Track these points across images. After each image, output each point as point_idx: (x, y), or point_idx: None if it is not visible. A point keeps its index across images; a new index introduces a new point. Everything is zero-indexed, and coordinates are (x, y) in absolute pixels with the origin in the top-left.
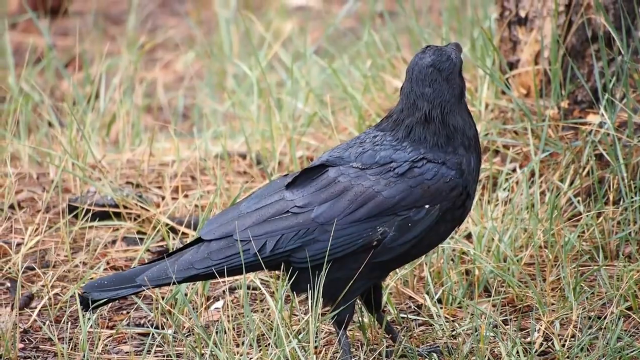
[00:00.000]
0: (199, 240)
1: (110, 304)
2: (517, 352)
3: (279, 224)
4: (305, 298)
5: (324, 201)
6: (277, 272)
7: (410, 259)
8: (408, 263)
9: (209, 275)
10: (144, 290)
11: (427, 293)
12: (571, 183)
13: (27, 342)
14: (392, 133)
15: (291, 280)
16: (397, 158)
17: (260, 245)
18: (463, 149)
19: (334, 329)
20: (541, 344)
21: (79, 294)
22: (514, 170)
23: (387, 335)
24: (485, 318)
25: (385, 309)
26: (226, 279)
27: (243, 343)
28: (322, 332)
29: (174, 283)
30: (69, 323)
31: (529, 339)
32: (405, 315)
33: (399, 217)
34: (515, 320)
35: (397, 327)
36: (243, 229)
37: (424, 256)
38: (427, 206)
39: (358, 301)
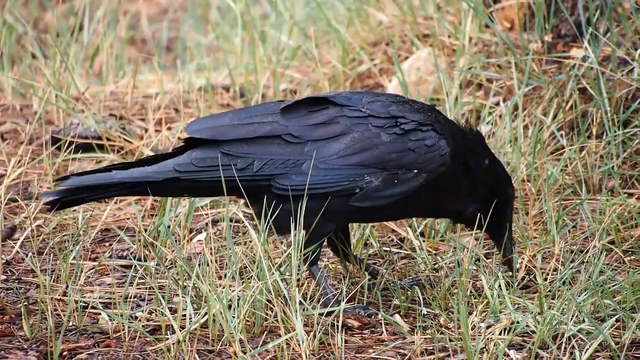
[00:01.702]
0: (184, 150)
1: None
2: (499, 285)
3: (270, 148)
4: (280, 232)
5: (319, 137)
6: (242, 199)
7: (382, 218)
8: (378, 222)
9: (188, 183)
10: (118, 184)
11: (410, 226)
12: (554, 117)
13: (10, 273)
14: (420, 104)
15: (274, 215)
16: (408, 116)
17: (247, 164)
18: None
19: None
20: (523, 278)
21: (50, 194)
22: (497, 104)
23: (368, 274)
24: (467, 252)
25: (367, 243)
26: (208, 209)
27: (225, 275)
28: (304, 264)
29: (153, 183)
30: (52, 255)
31: (510, 273)
32: (387, 249)
33: (388, 172)
34: (497, 254)
35: (380, 260)
36: (231, 138)
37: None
38: (415, 170)
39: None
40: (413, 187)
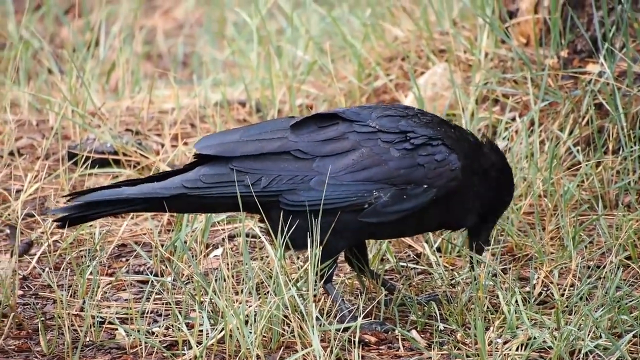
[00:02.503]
0: (193, 167)
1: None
2: (516, 301)
3: (278, 163)
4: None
5: (328, 153)
6: (257, 215)
7: (394, 234)
8: (389, 238)
9: (196, 199)
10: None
11: (427, 242)
12: (570, 132)
13: (27, 289)
14: (429, 117)
15: (290, 231)
16: (418, 130)
17: (255, 179)
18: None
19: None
20: (540, 293)
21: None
22: (513, 119)
23: (384, 289)
24: (484, 267)
25: (384, 258)
26: (225, 224)
27: (242, 291)
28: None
29: (161, 199)
30: (68, 270)
31: (527, 288)
32: (404, 264)
33: (396, 187)
34: (514, 270)
35: (396, 275)
36: (240, 154)
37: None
38: (425, 186)
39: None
40: (422, 203)
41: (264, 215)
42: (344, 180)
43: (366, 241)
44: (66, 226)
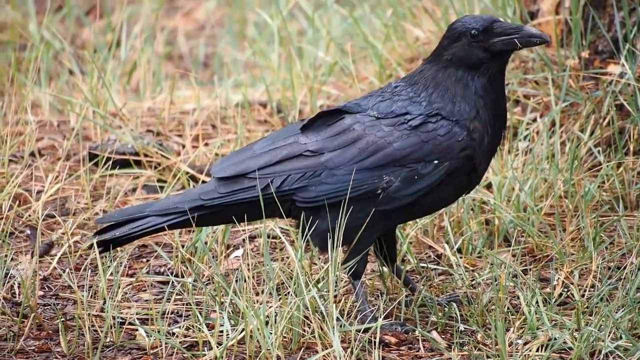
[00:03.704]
0: None
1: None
2: (537, 302)
3: (288, 164)
4: (319, 248)
5: (337, 147)
6: (280, 217)
7: (413, 217)
8: (410, 220)
9: (215, 209)
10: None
11: (447, 242)
12: (591, 133)
13: (47, 289)
14: (413, 86)
15: (311, 230)
16: (412, 110)
17: (266, 184)
18: (478, 122)
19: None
20: (560, 294)
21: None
22: (534, 120)
23: (405, 288)
24: (504, 268)
25: (405, 259)
26: (245, 225)
27: (263, 292)
28: (341, 281)
29: (181, 212)
30: (89, 271)
31: (548, 289)
32: (425, 265)
33: (406, 168)
34: (534, 270)
35: (417, 276)
36: (255, 169)
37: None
38: (435, 162)
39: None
40: (435, 181)
41: (285, 216)
42: (352, 170)
43: (395, 235)
44: (108, 250)
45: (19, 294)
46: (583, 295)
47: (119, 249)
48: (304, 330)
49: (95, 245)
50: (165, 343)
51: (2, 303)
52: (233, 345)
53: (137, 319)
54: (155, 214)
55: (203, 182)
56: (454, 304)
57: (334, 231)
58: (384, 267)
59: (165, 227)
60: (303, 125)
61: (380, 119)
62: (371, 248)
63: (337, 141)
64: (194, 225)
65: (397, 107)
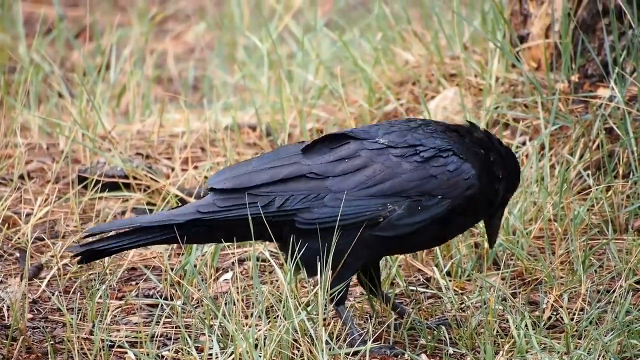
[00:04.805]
0: None
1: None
2: (526, 325)
3: (291, 185)
4: (308, 270)
5: (341, 172)
6: (269, 240)
7: (408, 249)
8: (405, 253)
9: (211, 224)
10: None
11: (436, 266)
12: (581, 156)
13: (36, 312)
14: (432, 125)
15: (301, 252)
16: (426, 143)
17: (268, 201)
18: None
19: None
20: (550, 317)
21: (77, 246)
22: (523, 144)
23: (394, 312)
24: (494, 291)
25: (394, 282)
26: (235, 247)
27: (252, 314)
28: (331, 303)
29: (176, 225)
30: (78, 294)
31: (537, 312)
32: (414, 288)
33: (411, 199)
34: (524, 294)
35: (406, 299)
36: (255, 184)
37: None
38: (439, 197)
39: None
40: (437, 214)
41: (274, 239)
42: (357, 196)
43: (380, 263)
44: (85, 261)
45: (8, 317)
46: (572, 319)
47: (107, 271)
48: (293, 354)
49: (79, 253)
50: None
51: None
52: None
53: (127, 341)
54: (147, 224)
55: None
56: (443, 327)
57: (327, 255)
58: (370, 299)
59: (154, 240)
60: (305, 147)
61: (389, 147)
62: (354, 276)
63: (342, 166)
64: (184, 241)
65: (411, 137)
